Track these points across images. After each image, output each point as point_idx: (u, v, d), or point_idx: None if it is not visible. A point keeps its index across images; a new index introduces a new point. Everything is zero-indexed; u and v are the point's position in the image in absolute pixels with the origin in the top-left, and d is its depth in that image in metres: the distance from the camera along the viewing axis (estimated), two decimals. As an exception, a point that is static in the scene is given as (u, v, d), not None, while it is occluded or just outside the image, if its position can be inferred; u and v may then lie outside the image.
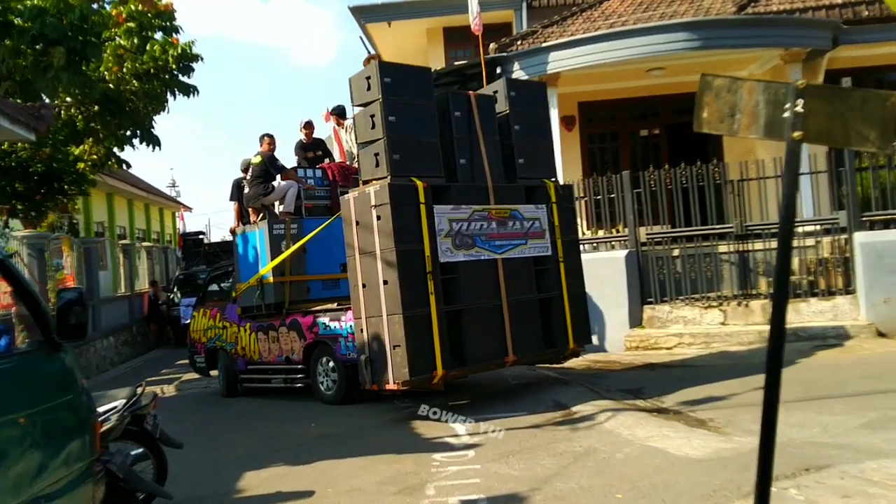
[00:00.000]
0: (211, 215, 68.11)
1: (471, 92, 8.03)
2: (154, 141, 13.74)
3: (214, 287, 11.19)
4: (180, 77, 13.40)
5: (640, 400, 7.20)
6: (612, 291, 10.32)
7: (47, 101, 11.93)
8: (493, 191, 7.78)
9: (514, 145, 8.17)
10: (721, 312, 10.27)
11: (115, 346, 15.45)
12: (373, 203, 6.96)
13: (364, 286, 7.17)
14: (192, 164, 78.97)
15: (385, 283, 6.92)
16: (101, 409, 4.44)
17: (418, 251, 6.99)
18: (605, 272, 10.34)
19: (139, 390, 4.83)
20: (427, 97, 7.42)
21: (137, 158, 71.11)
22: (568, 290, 8.31)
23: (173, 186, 37.50)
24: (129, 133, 13.59)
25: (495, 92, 8.42)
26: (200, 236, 21.51)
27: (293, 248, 9.09)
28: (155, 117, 13.78)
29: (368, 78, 7.05)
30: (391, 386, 6.95)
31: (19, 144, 12.59)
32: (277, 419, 8.11)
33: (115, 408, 4.62)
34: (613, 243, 11.02)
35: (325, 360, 8.69)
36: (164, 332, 18.31)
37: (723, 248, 10.40)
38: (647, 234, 10.60)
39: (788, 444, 5.12)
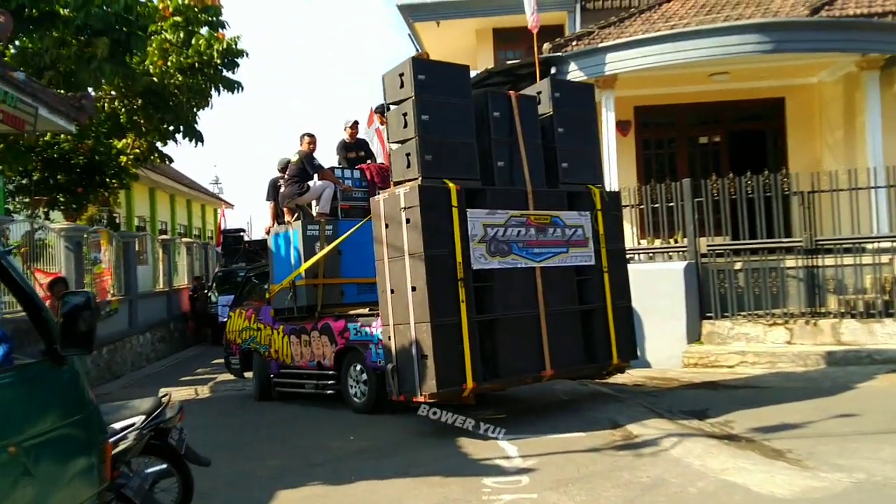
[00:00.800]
0: (253, 213, 69.25)
1: (511, 92, 8.00)
2: (197, 136, 14.16)
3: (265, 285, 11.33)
4: (224, 72, 13.80)
5: (705, 423, 7.02)
6: (668, 304, 10.16)
7: (91, 92, 12.44)
8: (532, 196, 7.73)
9: (558, 148, 8.11)
10: (787, 331, 10.03)
11: (152, 343, 15.93)
12: (402, 205, 7.01)
13: (392, 292, 7.21)
14: (237, 162, 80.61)
15: (413, 289, 6.95)
16: (117, 426, 4.21)
17: (449, 257, 7.00)
18: (661, 284, 10.20)
19: (164, 400, 4.63)
20: (463, 96, 7.43)
21: (181, 155, 72.80)
22: (612, 302, 8.20)
23: (216, 183, 38.49)
24: (171, 128, 14.03)
25: (539, 93, 8.38)
26: (241, 233, 21.92)
27: (326, 249, 9.21)
28: (199, 113, 14.20)
29: (402, 75, 7.11)
30: (419, 398, 6.97)
31: (61, 136, 13.15)
32: (313, 428, 8.13)
33: (133, 424, 4.32)
34: (671, 254, 10.83)
35: (356, 366, 8.76)
36: (201, 329, 18.74)
37: (790, 263, 10.12)
38: (708, 246, 10.38)
39: (885, 485, 4.93)
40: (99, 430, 3.54)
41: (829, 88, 13.63)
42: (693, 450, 6.07)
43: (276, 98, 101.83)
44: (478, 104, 7.60)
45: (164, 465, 4.75)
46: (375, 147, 11.01)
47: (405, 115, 7.13)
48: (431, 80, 7.16)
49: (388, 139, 7.70)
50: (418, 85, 7.04)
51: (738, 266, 10.40)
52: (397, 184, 7.29)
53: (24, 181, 13.70)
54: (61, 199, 13.83)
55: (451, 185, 7.11)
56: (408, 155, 7.13)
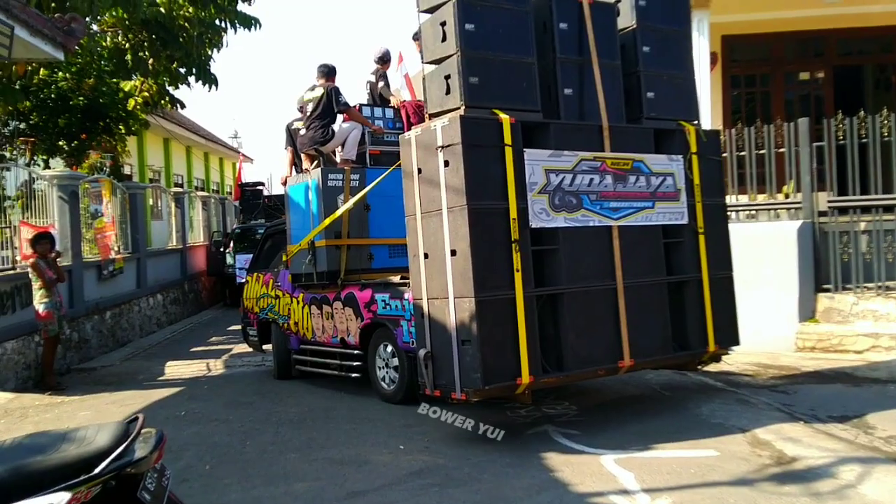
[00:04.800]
0: (273, 169, 68.26)
1: (584, -3, 6.52)
2: (211, 80, 13.09)
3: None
4: (240, 4, 12.61)
5: (876, 438, 5.66)
6: (775, 274, 8.89)
7: (94, 27, 11.40)
8: (609, 133, 6.36)
9: (641, 73, 6.80)
10: None
11: (164, 305, 15.17)
12: (439, 143, 5.69)
13: (426, 257, 5.97)
14: (258, 115, 78.15)
15: (453, 253, 5.68)
16: None
17: (500, 211, 5.72)
18: (767, 248, 8.95)
19: (133, 428, 3.07)
20: (520, 0, 6.01)
21: (198, 105, 71.14)
22: (709, 273, 6.89)
23: (235, 137, 37.59)
24: (183, 70, 12.97)
25: (618, 1, 6.90)
26: (260, 187, 21.02)
27: (350, 203, 7.99)
28: (213, 54, 13.09)
29: (439, -30, 5.72)
30: (458, 395, 5.72)
31: (59, 74, 12.15)
32: (350, 429, 6.65)
33: None
34: (778, 211, 9.27)
35: (385, 346, 7.64)
36: (221, 288, 18.32)
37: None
38: (829, 202, 8.80)
39: None
40: None
41: (959, 12, 11.91)
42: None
43: (301, 45, 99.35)
44: (539, 12, 6.25)
45: None
46: (405, 95, 9.68)
47: (443, 24, 5.78)
48: (478, -23, 5.76)
49: (422, 60, 6.30)
50: (461, -18, 5.65)
51: (863, 227, 8.83)
52: (433, 116, 5.95)
53: (21, 125, 12.80)
54: (65, 148, 12.91)
55: (503, 116, 5.76)
56: (447, 78, 5.79)
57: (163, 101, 13.57)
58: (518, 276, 5.71)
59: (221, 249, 18.44)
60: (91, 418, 7.40)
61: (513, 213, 5.73)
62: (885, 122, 8.49)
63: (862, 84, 13.29)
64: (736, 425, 6.03)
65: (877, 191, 8.64)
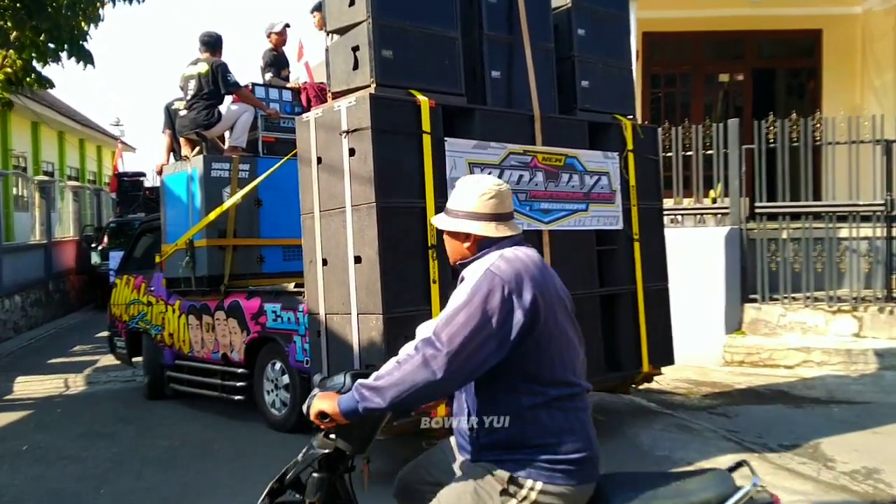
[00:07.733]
0: (158, 160, 65.27)
1: (515, -33, 5.70)
2: (86, 58, 11.58)
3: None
4: (121, -27, 11.22)
5: (839, 473, 5.02)
6: (701, 282, 8.35)
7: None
8: (540, 123, 5.55)
9: (576, 58, 6.05)
10: (855, 320, 8.34)
11: (23, 307, 13.62)
12: (344, 127, 4.73)
13: (324, 263, 4.99)
14: (144, 102, 73.72)
15: (357, 260, 4.74)
16: None
17: (416, 211, 4.83)
18: (694, 255, 8.38)
19: None
20: (444, -38, 5.14)
21: (76, 90, 66.41)
22: (644, 285, 6.24)
23: (118, 125, 35.21)
24: (53, 45, 11.44)
25: (551, -26, 6.15)
26: (140, 177, 19.50)
27: (237, 196, 6.92)
28: (91, 30, 11.63)
29: (348, -82, 4.75)
30: (359, 431, 4.75)
31: None
32: (232, 472, 5.43)
33: None
34: (704, 217, 8.78)
35: (274, 365, 6.63)
36: (92, 288, 17.06)
37: (865, 233, 8.22)
38: (757, 207, 8.37)
39: None
40: None
41: (878, 20, 12.10)
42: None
43: (194, 25, 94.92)
44: (464, -20, 5.32)
45: None
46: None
47: (352, -15, 4.80)
48: (394, -69, 4.83)
49: (325, 30, 5.30)
50: (373, -64, 4.71)
51: (793, 235, 8.51)
52: (337, 95, 4.97)
53: None
54: None
55: (421, 98, 4.84)
56: (355, 49, 4.83)
57: (28, 80, 11.97)
58: (435, 289, 4.82)
59: (93, 245, 17.00)
60: None
61: (430, 214, 4.83)
62: (818, 125, 8.11)
63: (773, 88, 13.22)
64: (684, 458, 5.30)
65: (807, 197, 8.28)
